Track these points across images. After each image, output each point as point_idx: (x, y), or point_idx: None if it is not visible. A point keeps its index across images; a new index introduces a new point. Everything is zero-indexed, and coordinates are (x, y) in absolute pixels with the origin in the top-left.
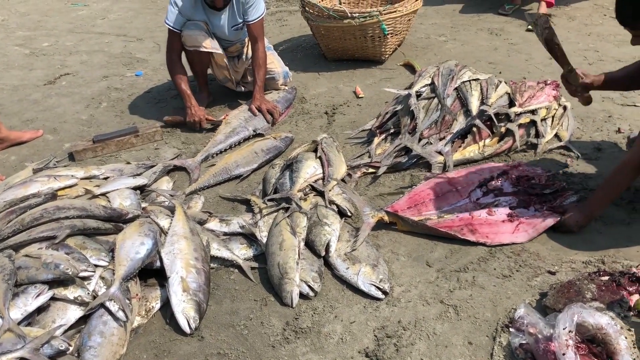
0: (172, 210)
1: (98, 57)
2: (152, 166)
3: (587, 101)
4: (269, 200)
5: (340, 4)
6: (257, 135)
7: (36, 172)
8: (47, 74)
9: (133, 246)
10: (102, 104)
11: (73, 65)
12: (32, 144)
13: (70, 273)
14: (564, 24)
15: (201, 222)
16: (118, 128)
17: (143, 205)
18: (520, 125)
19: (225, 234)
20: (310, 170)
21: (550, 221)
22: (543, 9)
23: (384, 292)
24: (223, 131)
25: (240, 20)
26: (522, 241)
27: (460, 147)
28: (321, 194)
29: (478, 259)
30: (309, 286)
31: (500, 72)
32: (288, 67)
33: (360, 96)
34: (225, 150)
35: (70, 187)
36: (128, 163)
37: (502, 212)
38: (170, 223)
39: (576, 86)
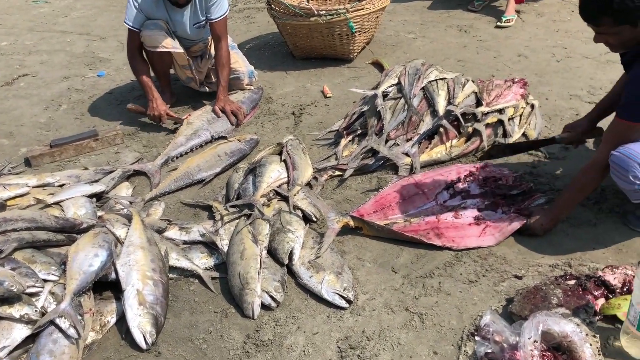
0: (129, 218)
1: (59, 57)
2: (111, 171)
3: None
4: (231, 206)
5: (307, 1)
6: (220, 137)
7: None
8: (4, 75)
9: (86, 258)
10: (62, 106)
11: (32, 65)
12: None
13: (15, 290)
14: (532, 21)
15: (160, 231)
16: (78, 131)
17: (99, 213)
18: (487, 125)
19: (185, 242)
20: (274, 174)
21: (516, 224)
22: (512, 5)
23: (348, 301)
24: (184, 133)
25: (203, 18)
26: (489, 245)
27: (427, 148)
28: (285, 199)
29: (444, 263)
30: (271, 296)
31: (468, 70)
32: (255, 66)
33: (328, 96)
34: (187, 153)
35: (21, 196)
36: (86, 169)
37: (468, 215)
38: (127, 232)
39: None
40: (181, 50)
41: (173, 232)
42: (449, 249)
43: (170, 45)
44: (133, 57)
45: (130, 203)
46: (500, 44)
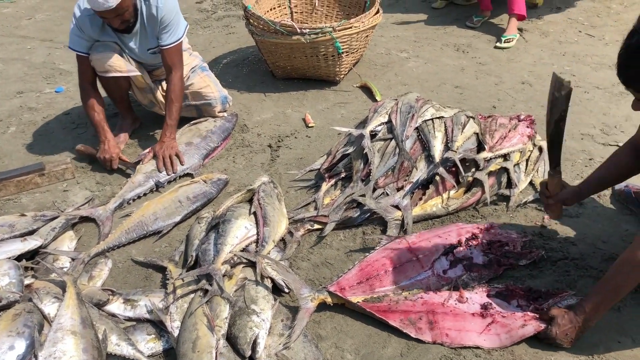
0: (64, 288)
1: (15, 67)
2: (54, 218)
3: (557, 215)
4: (188, 271)
5: (290, 18)
6: (186, 174)
7: None
8: None
9: None
10: (10, 129)
11: None
12: None
13: None
14: (536, 41)
15: (100, 304)
16: (24, 160)
17: (28, 281)
18: (490, 174)
19: (129, 319)
20: (240, 232)
21: (530, 330)
22: (514, 23)
23: None
24: (144, 170)
25: (156, 44)
26: (489, 347)
27: (420, 199)
28: (253, 264)
29: (440, 358)
30: None
31: (467, 100)
32: (231, 84)
33: (310, 125)
34: (145, 194)
35: None
36: (22, 215)
37: (475, 301)
38: (57, 310)
39: (553, 196)
40: (137, 73)
41: (116, 306)
42: (441, 344)
43: (125, 68)
44: (83, 89)
45: (72, 259)
46: (502, 68)
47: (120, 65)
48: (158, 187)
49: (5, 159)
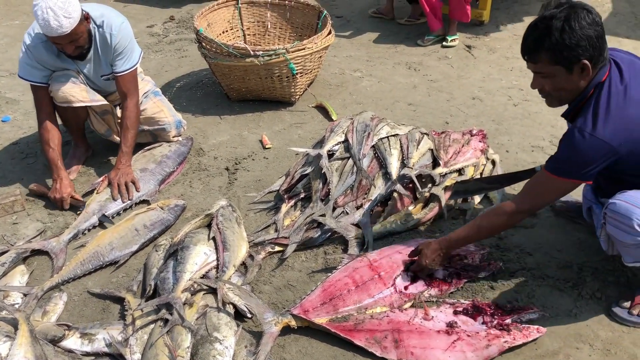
0: (16, 326)
1: None
2: (3, 252)
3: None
4: (147, 301)
5: (243, 40)
6: (142, 201)
7: None
8: None
9: None
10: None
11: None
12: None
13: None
14: (484, 57)
15: (55, 340)
16: None
17: None
18: (446, 188)
19: (87, 354)
20: (199, 259)
21: (494, 350)
22: (455, 25)
23: None
24: (97, 199)
25: (110, 71)
26: None
27: (380, 216)
28: (213, 291)
29: None
30: None
31: (420, 116)
32: (185, 108)
33: (267, 147)
34: (101, 223)
35: None
36: None
37: (441, 319)
38: (9, 350)
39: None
40: (104, 102)
41: (72, 341)
42: None
43: (88, 98)
44: (41, 122)
45: (25, 295)
46: (453, 85)
47: (83, 96)
48: (110, 217)
49: None
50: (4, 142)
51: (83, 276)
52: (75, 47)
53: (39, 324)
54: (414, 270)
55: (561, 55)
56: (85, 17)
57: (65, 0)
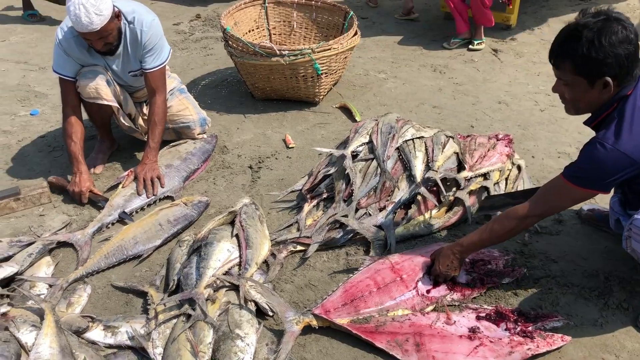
0: (42, 316)
1: None
2: (30, 244)
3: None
4: (170, 296)
5: (269, 40)
6: (166, 197)
7: None
8: None
9: None
10: None
11: None
12: None
13: None
14: (511, 61)
15: (79, 331)
16: (0, 184)
17: (4, 309)
18: (470, 193)
19: (110, 346)
20: (222, 255)
21: (517, 357)
22: (482, 30)
23: None
24: (122, 193)
25: (138, 67)
26: None
27: (403, 219)
28: (236, 288)
29: None
30: None
31: (445, 119)
32: (210, 106)
33: (290, 146)
34: (132, 215)
35: None
36: None
37: (463, 324)
38: (35, 339)
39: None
40: (115, 104)
41: (96, 333)
42: None
43: (111, 98)
44: (66, 116)
45: (50, 285)
46: (479, 89)
47: (107, 94)
48: (134, 212)
49: None
50: (32, 135)
51: (107, 269)
52: (104, 43)
53: (63, 314)
54: (432, 274)
55: (585, 67)
56: (117, 15)
57: None
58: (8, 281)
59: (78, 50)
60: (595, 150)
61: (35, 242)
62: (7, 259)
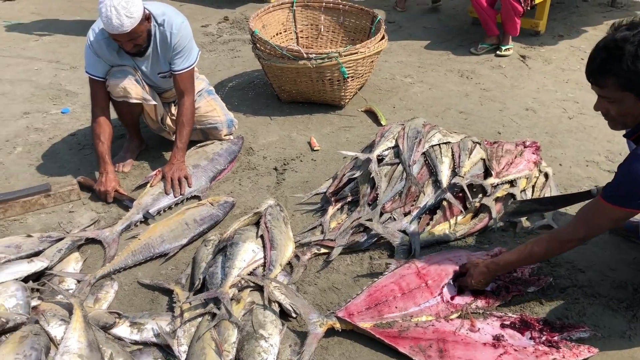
0: (70, 310)
1: (22, 88)
2: (59, 239)
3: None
4: (196, 295)
5: (296, 41)
6: (193, 197)
7: None
8: None
9: None
10: (17, 149)
11: None
12: None
13: None
14: (539, 68)
15: (106, 327)
16: (30, 181)
17: (34, 303)
18: (497, 200)
19: (135, 342)
20: (247, 256)
21: None
22: (509, 36)
23: None
24: (150, 192)
25: (167, 69)
26: None
27: (428, 224)
28: (260, 288)
29: None
30: None
31: (471, 125)
32: (237, 107)
33: (315, 149)
34: (155, 216)
35: None
36: (29, 236)
37: (487, 332)
38: (64, 333)
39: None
40: (152, 102)
41: (122, 329)
42: None
43: (140, 96)
44: (95, 115)
45: (78, 281)
46: (506, 95)
47: (136, 92)
48: (161, 211)
49: (12, 179)
50: (62, 133)
51: (134, 266)
52: (133, 45)
53: (91, 310)
54: (462, 285)
55: (632, 82)
56: (147, 18)
57: (129, 0)
58: (38, 275)
59: (108, 52)
60: (635, 165)
61: (65, 238)
62: (37, 253)
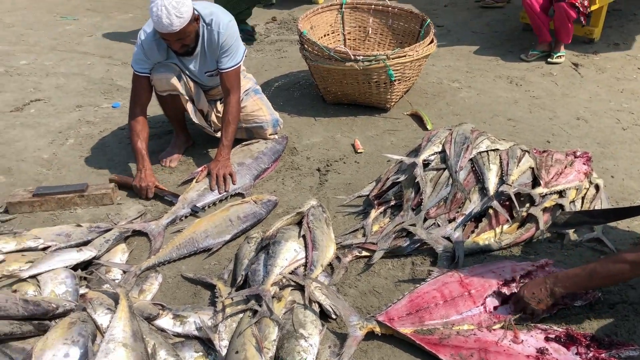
0: (116, 300)
1: (76, 82)
2: (107, 230)
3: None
4: (238, 291)
5: (344, 43)
6: (237, 194)
7: None
8: (16, 99)
9: None
10: (69, 141)
11: (47, 89)
12: None
13: None
14: (592, 77)
15: (150, 318)
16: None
17: (82, 291)
18: (545, 210)
19: (178, 334)
20: (289, 255)
21: None
22: (561, 44)
23: None
24: (196, 188)
25: (214, 67)
26: None
27: (473, 232)
28: (301, 287)
29: None
30: None
31: (520, 132)
32: (282, 107)
33: (359, 151)
34: (204, 209)
35: None
36: (78, 225)
37: (531, 344)
38: (110, 321)
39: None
40: (185, 96)
41: (165, 321)
42: None
43: (182, 91)
44: (133, 113)
45: (124, 272)
46: (557, 103)
47: (179, 86)
48: (206, 207)
49: (63, 170)
50: (112, 127)
51: (178, 260)
52: (181, 45)
53: (136, 300)
54: (514, 299)
55: None
56: (196, 18)
57: (180, 1)
58: (86, 264)
59: (157, 52)
60: None
61: (112, 229)
62: (86, 243)
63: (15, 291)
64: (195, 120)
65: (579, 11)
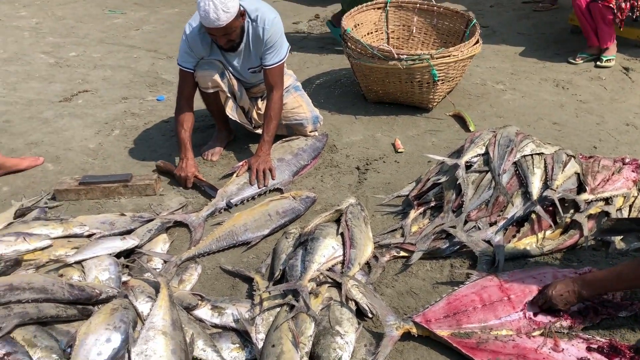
0: (157, 288)
1: (122, 74)
2: (149, 220)
3: None
4: (275, 285)
5: (387, 41)
6: (276, 189)
7: (20, 214)
8: (65, 89)
9: (96, 344)
10: (115, 131)
11: (94, 81)
12: (29, 174)
13: None
14: None
15: (189, 308)
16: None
17: (124, 279)
18: (589, 217)
19: (215, 325)
20: (327, 252)
21: None
22: (614, 45)
23: None
24: (236, 182)
25: (258, 64)
26: None
27: (514, 236)
28: (338, 285)
29: None
30: None
31: (565, 137)
32: (322, 105)
33: (399, 151)
34: (236, 205)
35: (42, 249)
36: (122, 215)
37: (572, 353)
38: (150, 310)
39: None
40: (227, 93)
41: (204, 312)
42: None
43: (224, 88)
44: (179, 105)
45: (165, 261)
46: (604, 108)
47: (222, 84)
48: (245, 200)
49: (109, 160)
50: (156, 120)
51: (217, 252)
52: (227, 40)
53: (175, 290)
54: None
55: None
56: (242, 14)
57: None
58: (128, 253)
59: (202, 47)
60: None
61: (155, 220)
62: (129, 232)
63: (61, 275)
64: (233, 117)
65: (615, 13)
